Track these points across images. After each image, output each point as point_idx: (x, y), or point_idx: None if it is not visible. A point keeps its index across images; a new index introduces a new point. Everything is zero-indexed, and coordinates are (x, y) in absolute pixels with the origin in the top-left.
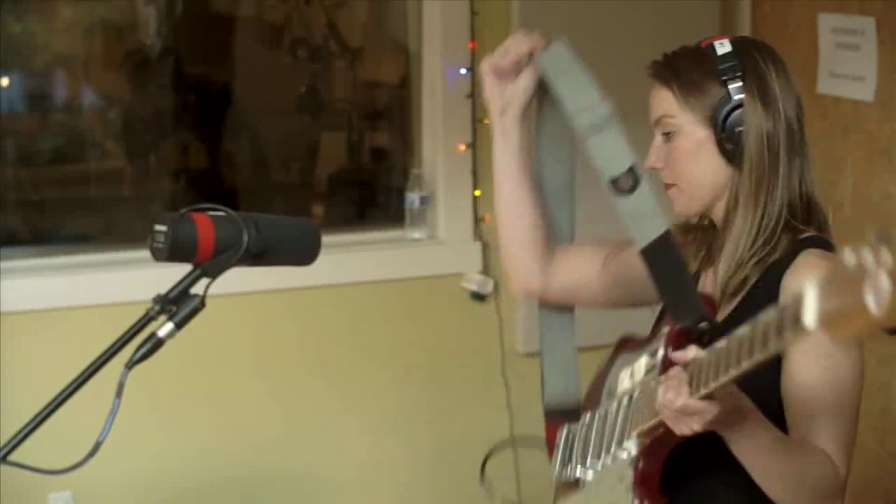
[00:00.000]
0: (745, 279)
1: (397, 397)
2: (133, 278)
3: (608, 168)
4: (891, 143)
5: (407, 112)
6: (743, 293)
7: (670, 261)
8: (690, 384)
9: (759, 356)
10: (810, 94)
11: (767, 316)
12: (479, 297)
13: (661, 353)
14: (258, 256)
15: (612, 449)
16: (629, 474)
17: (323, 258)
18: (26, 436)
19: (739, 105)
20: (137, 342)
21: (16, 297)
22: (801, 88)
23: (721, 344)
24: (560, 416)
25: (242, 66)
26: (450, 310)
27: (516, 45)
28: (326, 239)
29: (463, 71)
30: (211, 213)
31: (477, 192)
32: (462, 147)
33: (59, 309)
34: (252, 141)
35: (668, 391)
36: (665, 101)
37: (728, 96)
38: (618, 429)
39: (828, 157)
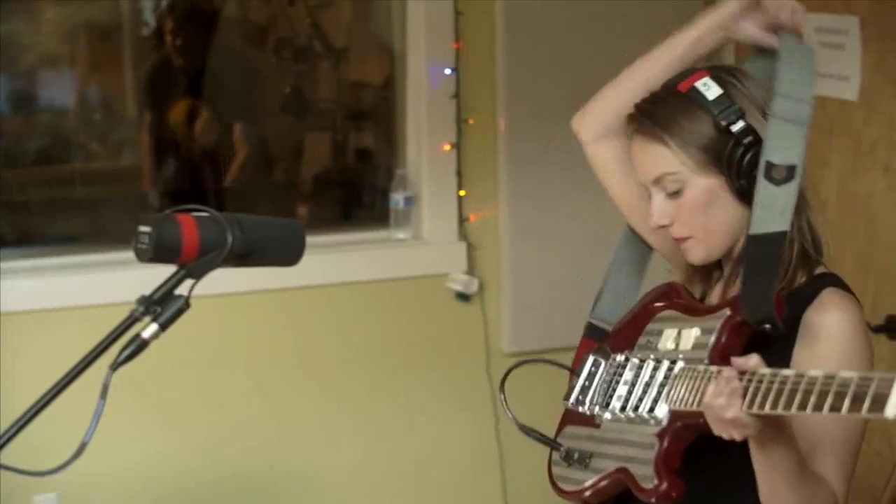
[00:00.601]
0: None
1: (383, 396)
2: (132, 278)
3: (772, 152)
4: (876, 142)
5: (391, 112)
6: None
7: (769, 256)
8: (744, 396)
9: (827, 412)
10: None
11: (847, 376)
12: (464, 297)
13: (713, 339)
14: (242, 257)
15: (640, 410)
16: (654, 445)
17: (307, 259)
18: (11, 437)
19: (751, 143)
20: (124, 344)
21: (12, 298)
22: None
23: (788, 373)
24: (597, 335)
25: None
26: (435, 310)
27: (789, 12)
28: (311, 239)
29: (447, 71)
30: (195, 213)
31: (462, 192)
32: (447, 147)
33: (57, 309)
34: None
35: (719, 396)
36: (662, 159)
37: (735, 139)
38: (652, 393)
39: (813, 156)
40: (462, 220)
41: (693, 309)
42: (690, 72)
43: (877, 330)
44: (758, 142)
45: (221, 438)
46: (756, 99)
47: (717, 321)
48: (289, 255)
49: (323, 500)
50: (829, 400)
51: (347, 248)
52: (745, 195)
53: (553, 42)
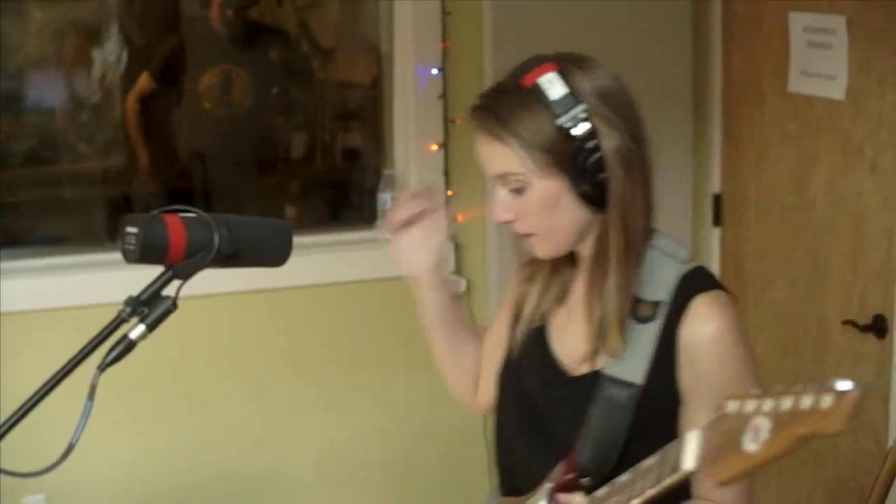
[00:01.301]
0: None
1: (371, 396)
2: (130, 278)
3: (644, 287)
4: (863, 141)
5: (379, 112)
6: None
7: (616, 419)
8: None
9: (637, 501)
10: (782, 93)
11: (648, 463)
12: None
13: None
14: (230, 258)
15: None
16: None
17: (295, 259)
18: None
19: (594, 148)
20: (111, 345)
21: (5, 298)
22: (773, 88)
23: (601, 492)
24: None
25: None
26: None
27: None
28: (299, 240)
29: (434, 71)
30: (182, 214)
31: (449, 193)
32: (434, 147)
33: (50, 310)
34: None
35: None
36: (506, 159)
37: (578, 143)
38: None
39: (800, 156)
40: (449, 220)
41: None
42: (536, 62)
43: (864, 329)
44: (600, 147)
45: (209, 439)
46: (606, 92)
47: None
48: (276, 255)
49: (310, 499)
50: (639, 487)
51: (335, 249)
52: (589, 198)
53: (540, 42)
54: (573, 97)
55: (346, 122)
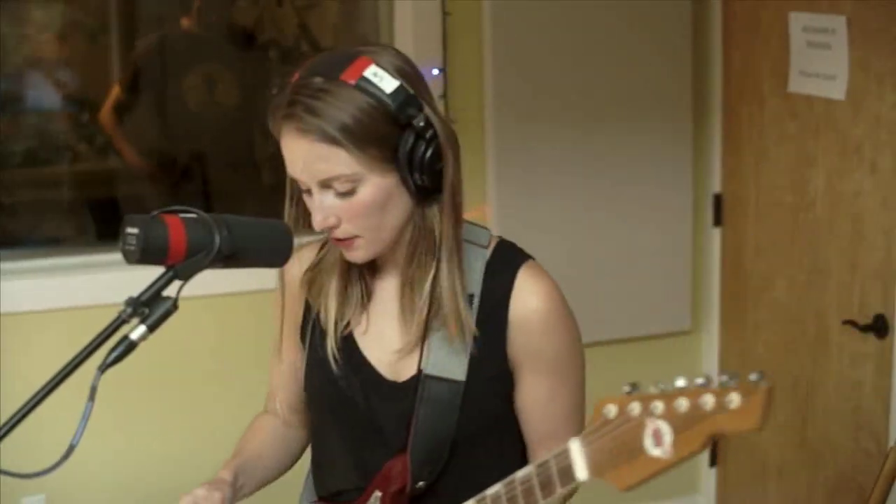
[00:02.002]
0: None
1: None
2: (129, 279)
3: None
4: (862, 141)
5: None
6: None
7: (443, 424)
8: None
9: None
10: (782, 93)
11: (525, 473)
12: None
13: None
14: (230, 258)
15: None
16: None
17: None
18: None
19: (433, 137)
20: (112, 345)
21: (10, 299)
22: (772, 87)
23: None
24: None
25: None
26: None
27: None
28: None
29: (435, 72)
30: (182, 214)
31: None
32: None
33: (55, 310)
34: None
35: None
36: (338, 161)
37: (417, 134)
38: None
39: (800, 155)
40: None
41: None
42: (350, 57)
43: (864, 329)
44: (437, 135)
45: (208, 440)
46: (416, 76)
47: None
48: (276, 256)
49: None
50: (523, 501)
51: None
52: (422, 190)
53: (541, 43)
54: (406, 91)
55: None
